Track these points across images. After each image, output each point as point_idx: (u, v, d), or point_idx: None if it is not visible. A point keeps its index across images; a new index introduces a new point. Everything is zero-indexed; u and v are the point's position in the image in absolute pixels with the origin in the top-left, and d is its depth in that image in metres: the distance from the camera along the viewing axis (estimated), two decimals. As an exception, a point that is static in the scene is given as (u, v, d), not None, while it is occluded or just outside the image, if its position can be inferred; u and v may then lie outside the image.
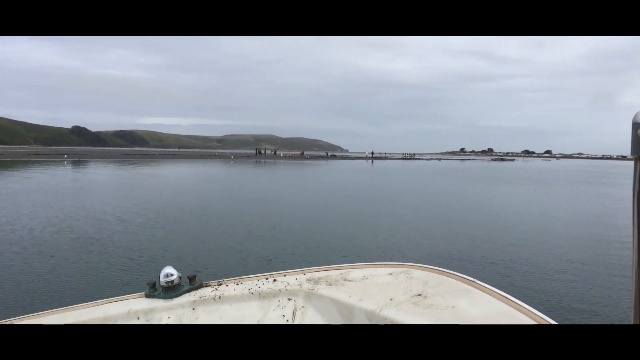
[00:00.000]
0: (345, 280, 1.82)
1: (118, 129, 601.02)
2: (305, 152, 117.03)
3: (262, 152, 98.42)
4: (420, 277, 1.79)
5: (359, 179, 32.65)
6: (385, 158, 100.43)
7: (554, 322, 1.33)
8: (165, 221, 11.98)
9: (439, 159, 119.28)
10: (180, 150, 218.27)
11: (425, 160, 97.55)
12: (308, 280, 1.85)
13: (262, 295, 1.79)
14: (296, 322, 1.68)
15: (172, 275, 1.80)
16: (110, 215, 13.19)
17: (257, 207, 16.88)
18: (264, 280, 1.91)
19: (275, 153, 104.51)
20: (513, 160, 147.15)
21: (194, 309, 1.75)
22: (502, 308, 1.45)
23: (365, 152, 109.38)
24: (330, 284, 1.78)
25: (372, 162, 76.70)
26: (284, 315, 1.72)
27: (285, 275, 1.95)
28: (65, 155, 56.09)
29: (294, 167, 50.50)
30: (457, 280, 1.74)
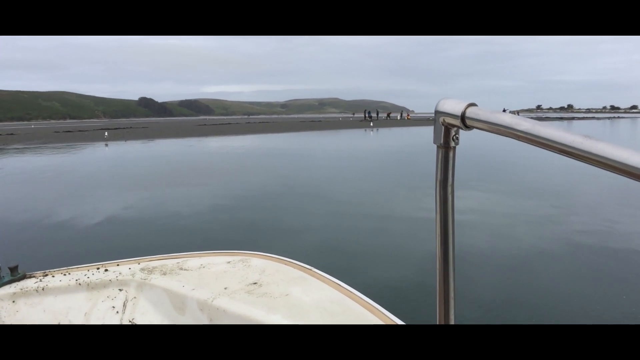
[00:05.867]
0: (181, 269, 1.78)
1: (183, 98, 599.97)
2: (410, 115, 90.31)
3: (374, 115, 72.35)
4: (258, 265, 1.79)
5: None
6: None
7: (381, 309, 1.36)
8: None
9: (562, 119, 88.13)
10: (250, 116, 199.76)
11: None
12: (142, 269, 1.79)
13: (91, 286, 1.71)
14: (126, 314, 1.63)
15: None
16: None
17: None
18: (95, 270, 1.82)
19: (389, 116, 78.48)
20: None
21: (14, 301, 1.63)
22: (334, 295, 1.47)
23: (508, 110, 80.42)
24: (165, 273, 1.73)
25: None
26: (113, 307, 1.65)
27: (118, 265, 1.87)
28: (106, 134, 35.20)
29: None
30: (293, 268, 1.74)
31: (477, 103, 0.61)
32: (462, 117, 0.60)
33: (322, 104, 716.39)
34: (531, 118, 0.55)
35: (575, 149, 0.48)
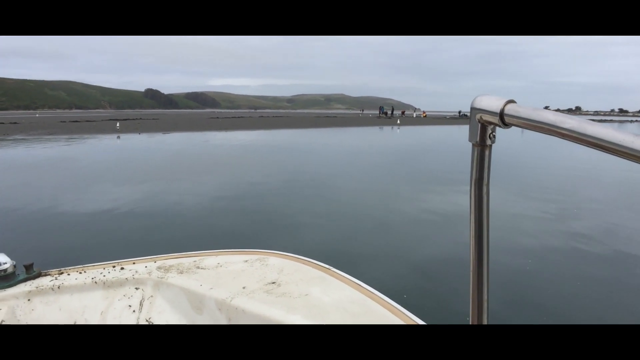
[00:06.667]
0: (198, 268, 1.76)
1: (189, 90, 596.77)
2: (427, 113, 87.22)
3: (389, 112, 69.51)
4: (276, 264, 1.77)
5: None
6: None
7: (404, 310, 1.35)
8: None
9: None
10: (257, 110, 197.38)
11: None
12: (158, 268, 1.77)
13: (107, 285, 1.68)
14: (143, 313, 1.61)
15: (4, 263, 1.65)
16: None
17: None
18: (111, 268, 1.80)
19: (403, 114, 75.53)
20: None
21: (29, 299, 1.61)
22: (354, 296, 1.45)
23: None
24: (181, 272, 1.71)
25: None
26: (130, 306, 1.63)
27: (134, 263, 1.85)
28: (118, 125, 32.19)
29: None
30: (312, 267, 1.72)
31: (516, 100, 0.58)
32: (501, 115, 0.58)
33: (328, 100, 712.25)
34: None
35: (625, 148, 0.46)
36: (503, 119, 0.58)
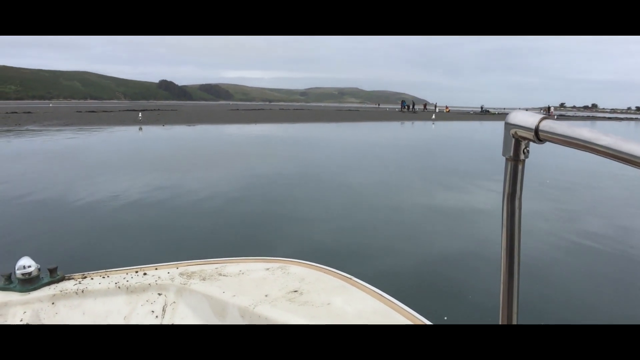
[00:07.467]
0: (220, 274, 1.77)
1: (203, 82, 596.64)
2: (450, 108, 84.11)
3: (411, 107, 67.34)
4: (297, 273, 1.76)
5: None
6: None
7: (427, 322, 1.35)
8: (25, 205, 7.71)
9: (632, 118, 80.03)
10: (271, 103, 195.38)
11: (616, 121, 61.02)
12: (181, 274, 1.78)
13: (130, 290, 1.70)
14: (166, 319, 1.62)
15: (29, 266, 1.66)
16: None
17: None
18: (133, 273, 1.81)
19: (425, 108, 72.80)
20: None
21: (53, 303, 1.63)
22: (377, 306, 1.45)
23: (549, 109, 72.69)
24: (204, 279, 1.72)
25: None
26: (153, 311, 1.65)
27: (156, 269, 1.85)
28: (140, 115, 31.03)
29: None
30: (334, 277, 1.72)
31: (549, 115, 0.60)
32: (536, 131, 0.59)
33: (341, 93, 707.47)
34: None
35: None
36: (538, 134, 0.60)
